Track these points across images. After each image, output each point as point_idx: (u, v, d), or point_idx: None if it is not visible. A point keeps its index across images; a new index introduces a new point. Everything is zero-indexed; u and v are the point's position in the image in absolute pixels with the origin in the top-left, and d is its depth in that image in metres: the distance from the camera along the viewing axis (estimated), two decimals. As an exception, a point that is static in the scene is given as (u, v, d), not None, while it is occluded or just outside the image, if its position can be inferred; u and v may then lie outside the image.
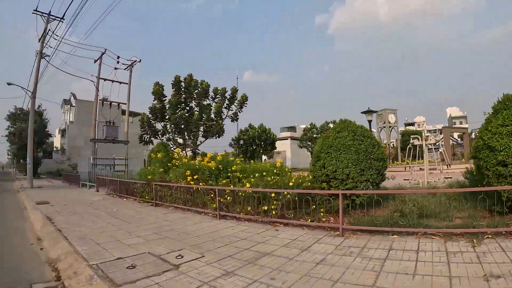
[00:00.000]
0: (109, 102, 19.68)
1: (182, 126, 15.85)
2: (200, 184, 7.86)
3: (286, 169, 11.66)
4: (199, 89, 17.86)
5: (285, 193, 6.09)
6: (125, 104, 20.49)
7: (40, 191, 14.58)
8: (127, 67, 19.73)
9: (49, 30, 17.14)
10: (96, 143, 18.17)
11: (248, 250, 4.35)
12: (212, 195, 7.15)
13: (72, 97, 40.08)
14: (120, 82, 19.72)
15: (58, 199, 11.25)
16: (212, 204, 7.04)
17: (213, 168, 8.28)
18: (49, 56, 17.68)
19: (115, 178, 12.43)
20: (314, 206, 5.64)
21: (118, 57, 19.36)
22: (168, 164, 9.79)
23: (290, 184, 6.60)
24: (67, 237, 5.29)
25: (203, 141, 17.55)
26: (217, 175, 8.20)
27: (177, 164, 9.56)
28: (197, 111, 17.32)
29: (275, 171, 10.11)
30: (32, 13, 16.60)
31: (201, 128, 17.27)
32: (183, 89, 17.43)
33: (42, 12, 16.82)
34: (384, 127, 30.49)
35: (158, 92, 17.75)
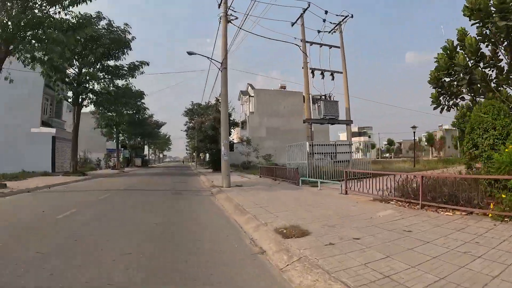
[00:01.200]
0: (320, 72, 16.29)
1: None
2: None
3: None
4: None
5: None
6: (341, 72, 16.74)
7: (245, 194, 10.06)
8: (334, 27, 16.03)
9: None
10: (311, 124, 15.13)
11: None
12: None
13: (249, 88, 38.19)
14: (330, 46, 16.27)
15: (304, 215, 6.17)
16: None
17: None
18: (237, 18, 13.98)
19: (415, 173, 8.83)
20: None
21: (326, 12, 15.51)
22: None
23: None
24: None
25: None
26: None
27: None
28: None
29: None
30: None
31: None
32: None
33: (216, -29, 13.65)
34: None
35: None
